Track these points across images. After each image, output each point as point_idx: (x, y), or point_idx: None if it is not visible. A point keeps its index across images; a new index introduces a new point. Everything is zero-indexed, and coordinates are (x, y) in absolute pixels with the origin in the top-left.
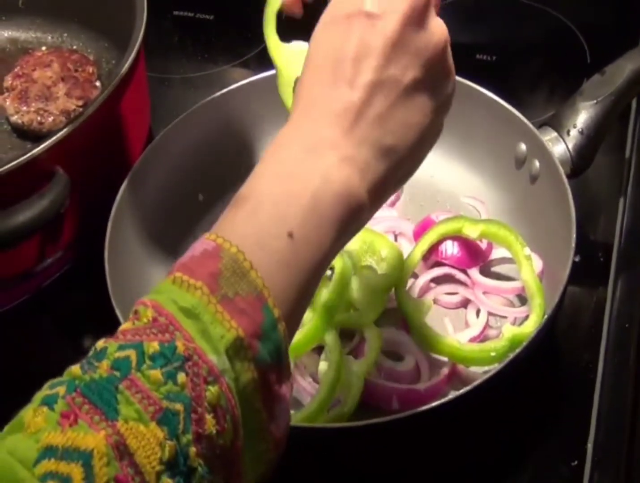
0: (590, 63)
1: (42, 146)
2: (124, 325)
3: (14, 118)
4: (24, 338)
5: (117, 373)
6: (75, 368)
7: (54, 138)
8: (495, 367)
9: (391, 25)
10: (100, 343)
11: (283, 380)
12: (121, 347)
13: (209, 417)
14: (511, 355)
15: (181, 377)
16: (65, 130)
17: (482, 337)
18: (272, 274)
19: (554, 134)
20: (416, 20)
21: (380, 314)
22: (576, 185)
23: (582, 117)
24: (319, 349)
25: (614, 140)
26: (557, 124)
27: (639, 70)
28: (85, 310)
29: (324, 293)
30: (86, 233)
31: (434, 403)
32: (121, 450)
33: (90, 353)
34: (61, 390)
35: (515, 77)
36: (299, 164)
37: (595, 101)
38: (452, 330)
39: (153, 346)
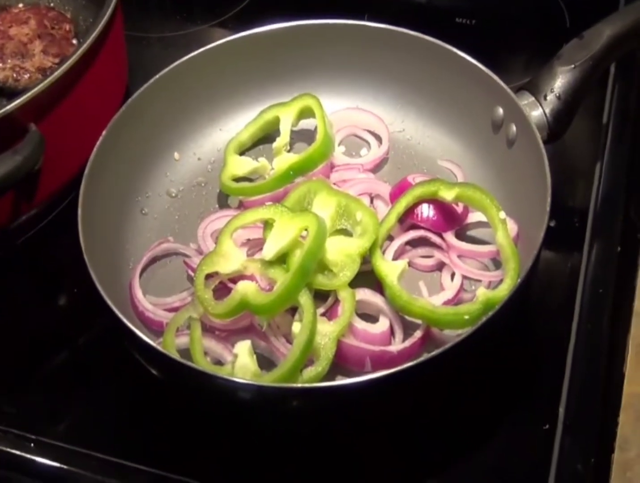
0: (570, 27)
1: (15, 102)
2: None
3: None
4: None
5: None
6: None
7: (27, 94)
8: (469, 329)
9: None
10: None
11: None
12: None
13: None
14: (484, 318)
15: None
16: (39, 86)
17: (456, 301)
18: None
19: (531, 99)
20: None
21: (355, 276)
22: (553, 150)
23: (560, 81)
24: (293, 310)
25: (591, 105)
26: (534, 89)
27: (618, 35)
28: (60, 268)
29: (299, 255)
30: (61, 190)
31: (406, 365)
32: None
33: None
34: None
35: (494, 41)
36: None
37: (573, 66)
38: (427, 293)
39: None
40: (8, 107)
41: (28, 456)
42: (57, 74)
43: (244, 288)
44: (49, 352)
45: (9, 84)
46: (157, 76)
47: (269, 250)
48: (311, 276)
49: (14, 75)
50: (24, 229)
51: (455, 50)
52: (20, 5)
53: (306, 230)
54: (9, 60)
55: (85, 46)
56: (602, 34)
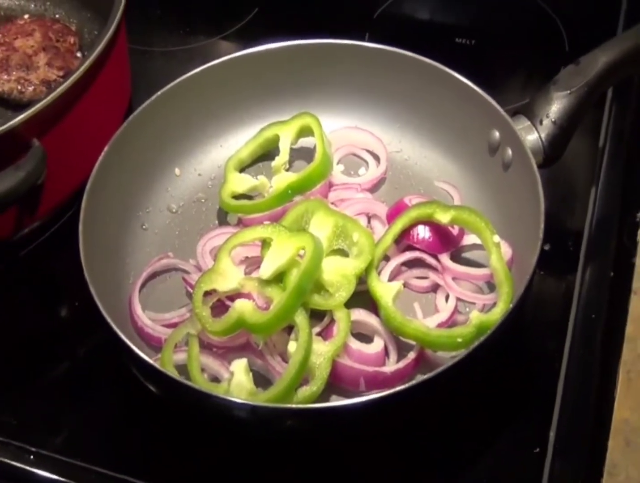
0: (569, 51)
1: (19, 118)
2: None
3: None
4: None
5: None
6: None
7: (31, 109)
8: (462, 352)
9: None
10: None
11: None
12: None
13: None
14: (477, 342)
15: None
16: (43, 101)
17: (450, 323)
18: None
19: (527, 123)
20: None
21: (350, 296)
22: (549, 172)
23: (556, 107)
24: (289, 329)
25: (588, 127)
26: (530, 113)
27: (614, 62)
28: (61, 280)
29: (295, 274)
30: (62, 204)
31: (399, 387)
32: None
33: None
34: None
35: (493, 62)
36: None
37: (568, 91)
38: (422, 315)
39: None
40: (12, 122)
41: (28, 468)
42: (61, 88)
43: (241, 306)
44: (49, 363)
45: (14, 96)
46: (159, 93)
47: (267, 270)
48: (307, 296)
49: (19, 87)
50: (25, 241)
51: (453, 73)
52: (26, 16)
53: (303, 249)
54: (14, 72)
55: (89, 61)
56: (598, 60)
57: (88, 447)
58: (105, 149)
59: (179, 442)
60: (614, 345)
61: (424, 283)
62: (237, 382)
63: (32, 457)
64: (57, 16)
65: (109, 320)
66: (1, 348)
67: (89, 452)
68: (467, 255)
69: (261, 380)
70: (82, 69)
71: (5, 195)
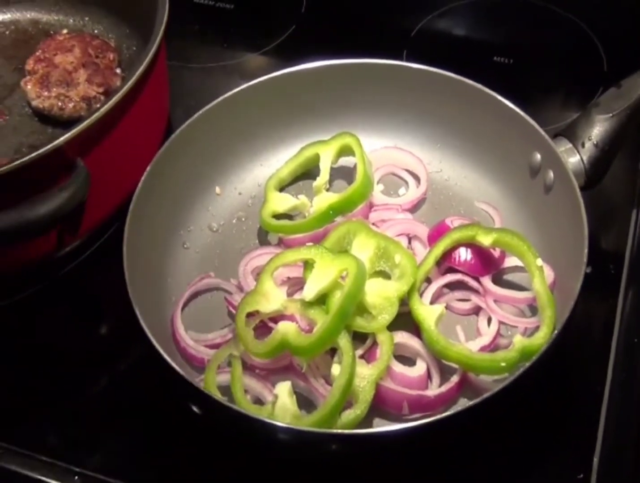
0: (607, 71)
1: (63, 138)
2: None
3: (35, 102)
4: (42, 325)
5: None
6: None
7: (76, 129)
8: (506, 377)
9: None
10: None
11: None
12: None
13: None
14: (521, 369)
15: None
16: (86, 121)
17: (493, 346)
18: None
19: (569, 145)
20: None
21: (393, 319)
22: (589, 195)
23: (597, 129)
24: (332, 351)
25: (628, 150)
26: (572, 135)
27: None
28: (102, 298)
29: (338, 297)
30: (104, 222)
31: (445, 414)
32: None
33: None
34: None
35: (530, 81)
36: None
37: (610, 115)
38: (464, 338)
39: None
40: (57, 141)
41: None
42: (105, 107)
43: (284, 328)
44: (90, 381)
45: (54, 112)
46: (200, 112)
47: (310, 291)
48: (350, 318)
49: (59, 103)
50: (67, 259)
51: (494, 94)
52: (65, 31)
53: (346, 271)
54: (54, 89)
55: (133, 80)
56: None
57: (129, 467)
58: (148, 168)
59: (219, 463)
60: None
61: (466, 305)
62: (281, 405)
63: (76, 477)
64: (95, 32)
65: (153, 341)
66: (43, 366)
67: (129, 471)
68: (508, 277)
69: (304, 402)
70: (126, 88)
71: (51, 216)
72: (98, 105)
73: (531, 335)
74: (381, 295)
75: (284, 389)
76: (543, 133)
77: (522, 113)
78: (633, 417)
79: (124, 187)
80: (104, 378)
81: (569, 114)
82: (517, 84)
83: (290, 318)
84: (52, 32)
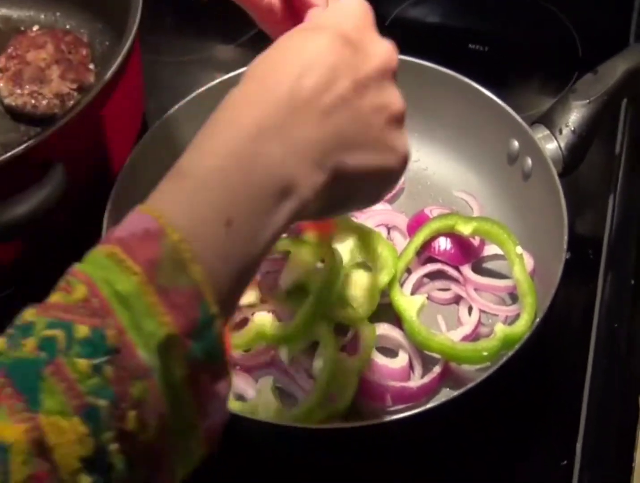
0: (582, 57)
1: (39, 137)
2: (55, 296)
3: (8, 100)
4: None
5: (43, 355)
6: (1, 341)
7: (51, 128)
8: (489, 366)
9: (379, 59)
10: (28, 315)
11: (218, 378)
12: (50, 325)
13: (132, 414)
14: (504, 358)
15: (108, 370)
16: (63, 119)
17: (474, 335)
18: (210, 266)
19: (546, 132)
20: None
21: (374, 310)
22: (566, 182)
23: (575, 116)
24: (314, 345)
25: (603, 136)
26: (549, 122)
27: (631, 70)
28: None
29: (315, 284)
30: (81, 220)
31: (430, 405)
32: (40, 446)
33: (16, 322)
34: None
35: (506, 68)
36: (243, 146)
37: (587, 101)
38: (445, 327)
39: (83, 330)
40: (31, 141)
41: None
42: (80, 106)
43: (260, 319)
44: None
45: (27, 110)
46: (176, 107)
47: (286, 281)
48: (331, 310)
49: (32, 101)
50: (41, 260)
51: (470, 82)
52: (35, 27)
53: (323, 261)
54: (27, 86)
55: (107, 76)
56: (616, 69)
57: None
58: (124, 164)
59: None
60: (638, 354)
61: (446, 295)
62: (263, 401)
63: None
64: (67, 27)
65: None
66: None
67: None
68: (488, 265)
69: (287, 397)
70: (100, 84)
71: (29, 216)
72: (72, 102)
73: (512, 323)
74: (362, 287)
75: (266, 384)
76: (520, 120)
77: (499, 101)
78: (615, 402)
79: (101, 185)
80: None
81: (545, 101)
82: (493, 72)
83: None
84: (23, 28)
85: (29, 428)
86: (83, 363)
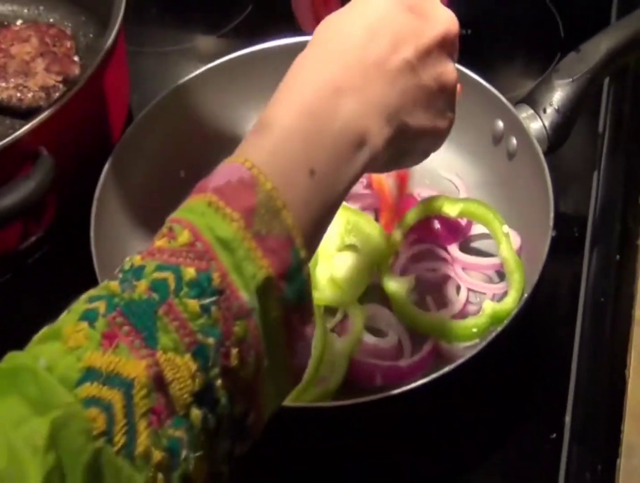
0: (564, 38)
1: (26, 127)
2: (159, 242)
3: None
4: (6, 317)
5: (156, 296)
6: (113, 284)
7: (38, 118)
8: (477, 343)
9: (441, 28)
10: (137, 259)
11: (306, 320)
12: (159, 268)
13: (234, 352)
14: (494, 334)
15: (215, 310)
16: (49, 110)
17: (463, 314)
18: (297, 213)
19: (531, 112)
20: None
21: (363, 292)
22: (550, 160)
23: (558, 95)
24: None
25: (587, 115)
26: (533, 102)
27: (614, 49)
28: (68, 290)
29: None
30: (68, 212)
31: (419, 382)
32: (159, 382)
33: (126, 267)
34: (101, 306)
35: (489, 51)
36: (322, 102)
37: (571, 79)
38: (434, 307)
39: (190, 272)
40: (19, 132)
41: None
42: (66, 97)
43: None
44: None
45: (13, 103)
46: (160, 96)
47: None
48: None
49: (18, 94)
50: (31, 250)
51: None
52: (19, 22)
53: None
54: (12, 80)
55: (93, 66)
56: (598, 47)
57: None
58: (112, 154)
59: None
60: (624, 327)
61: (435, 275)
62: None
63: None
64: (51, 20)
65: None
66: None
67: None
68: (475, 245)
69: None
70: (86, 75)
71: (18, 206)
72: (57, 94)
73: (500, 300)
74: (351, 269)
75: None
76: (505, 100)
77: (483, 82)
78: (602, 375)
79: (88, 175)
80: None
81: (529, 82)
82: (476, 55)
83: None
84: (6, 23)
85: (149, 364)
86: (193, 303)
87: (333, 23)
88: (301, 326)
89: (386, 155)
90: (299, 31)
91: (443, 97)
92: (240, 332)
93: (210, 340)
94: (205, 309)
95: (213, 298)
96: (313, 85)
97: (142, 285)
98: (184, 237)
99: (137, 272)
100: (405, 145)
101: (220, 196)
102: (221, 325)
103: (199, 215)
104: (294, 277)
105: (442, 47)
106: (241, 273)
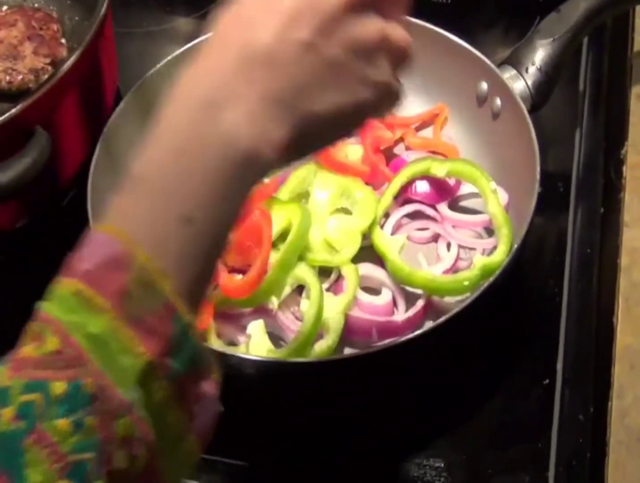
0: (543, 2)
1: (21, 105)
2: (27, 349)
3: None
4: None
5: (23, 425)
6: None
7: (33, 96)
8: (469, 296)
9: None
10: (3, 377)
11: (203, 379)
12: (26, 388)
13: (120, 454)
14: (484, 284)
15: (89, 420)
16: (44, 87)
17: (454, 269)
18: (177, 273)
19: (514, 72)
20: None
21: (357, 252)
22: (533, 120)
23: (540, 54)
24: (299, 289)
25: (567, 75)
26: (515, 62)
27: (593, 7)
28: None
29: (282, 248)
30: (61, 189)
31: (415, 333)
32: None
33: None
34: None
35: (469, 18)
36: (194, 131)
37: (552, 39)
38: (426, 264)
39: (59, 387)
40: (14, 110)
41: None
42: (58, 75)
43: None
44: None
45: (2, 86)
46: (148, 74)
47: None
48: (315, 254)
49: (7, 77)
50: (24, 232)
51: (437, 29)
52: (4, 7)
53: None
54: (1, 63)
55: (84, 44)
56: (578, 7)
57: None
58: (103, 132)
59: None
60: (611, 276)
61: (425, 234)
62: (255, 343)
63: None
64: (36, 5)
65: None
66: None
67: None
68: (464, 204)
69: (275, 340)
70: (77, 54)
71: (16, 182)
72: (46, 76)
73: (490, 254)
74: (344, 231)
75: (256, 327)
76: (488, 61)
77: (466, 44)
78: (591, 323)
79: (80, 154)
80: None
81: (509, 47)
82: (456, 23)
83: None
84: None
85: None
86: (63, 423)
87: (216, 26)
88: (197, 388)
89: (289, 155)
90: None
91: (362, 65)
92: (123, 432)
93: (88, 455)
94: (77, 425)
95: (86, 409)
96: (181, 114)
97: (8, 413)
98: (53, 343)
99: (3, 396)
100: (321, 130)
101: (89, 283)
102: (99, 434)
103: (67, 310)
104: (180, 346)
105: (348, 11)
106: (117, 368)
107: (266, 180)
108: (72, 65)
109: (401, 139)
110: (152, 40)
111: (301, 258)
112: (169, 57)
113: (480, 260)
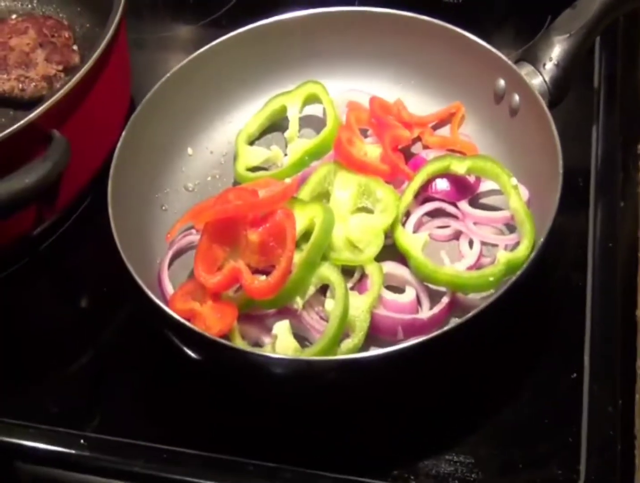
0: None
1: (38, 110)
2: None
3: None
4: (23, 300)
5: None
6: None
7: (50, 101)
8: (493, 292)
9: None
10: None
11: None
12: None
13: None
14: (510, 280)
15: None
16: (59, 93)
17: (477, 266)
18: None
19: (531, 68)
20: None
21: (379, 251)
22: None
23: (557, 50)
24: (323, 289)
25: (581, 72)
26: (533, 58)
27: (608, 2)
28: (82, 271)
29: (306, 247)
30: (79, 195)
31: (441, 330)
32: None
33: None
34: None
35: (481, 16)
36: None
37: (568, 34)
38: (449, 262)
39: None
40: (32, 115)
41: (80, 453)
42: (74, 80)
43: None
44: (80, 350)
45: (15, 93)
46: (167, 76)
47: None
48: (339, 254)
49: (20, 85)
50: (45, 234)
51: (454, 28)
52: (14, 16)
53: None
54: (13, 71)
55: (99, 51)
56: (593, 2)
57: (129, 424)
58: (122, 135)
59: (220, 410)
60: (633, 270)
61: (446, 231)
62: (281, 343)
63: (82, 440)
64: (46, 13)
65: (150, 294)
66: (30, 341)
67: (130, 428)
68: (484, 201)
69: (300, 341)
70: (92, 59)
71: (36, 186)
72: (59, 83)
73: (512, 250)
74: (366, 230)
75: (282, 327)
76: (505, 58)
77: (482, 42)
78: (616, 316)
79: (97, 159)
80: (91, 345)
81: (522, 43)
82: (470, 22)
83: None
84: (1, 18)
85: None
86: None
87: None
88: None
89: None
90: (292, 7)
91: None
92: None
93: None
94: None
95: None
96: None
97: None
98: None
99: None
100: None
101: None
102: None
103: None
104: None
105: None
106: None
107: (287, 180)
108: (87, 70)
109: (418, 138)
110: (164, 46)
111: (324, 258)
112: (185, 61)
113: (504, 256)
